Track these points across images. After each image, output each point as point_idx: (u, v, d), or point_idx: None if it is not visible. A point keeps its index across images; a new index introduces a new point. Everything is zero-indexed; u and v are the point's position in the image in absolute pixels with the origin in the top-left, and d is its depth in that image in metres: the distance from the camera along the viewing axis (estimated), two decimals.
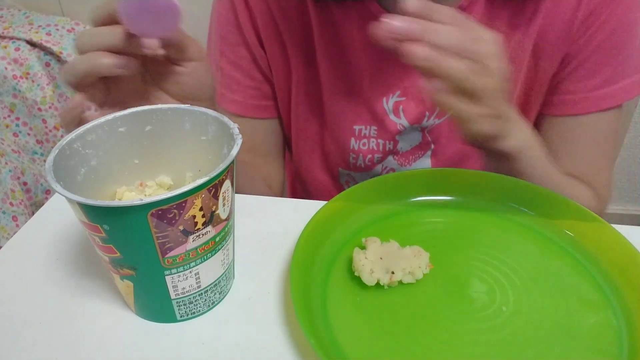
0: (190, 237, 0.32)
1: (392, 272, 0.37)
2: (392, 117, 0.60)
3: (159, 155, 0.39)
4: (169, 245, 0.31)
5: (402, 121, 0.60)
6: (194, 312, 0.36)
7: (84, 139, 0.35)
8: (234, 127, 0.35)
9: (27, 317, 0.36)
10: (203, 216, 0.32)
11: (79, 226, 0.44)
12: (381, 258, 0.38)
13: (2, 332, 0.34)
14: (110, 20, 0.38)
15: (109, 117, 0.36)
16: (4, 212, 1.22)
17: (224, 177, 0.32)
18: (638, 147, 1.61)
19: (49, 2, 1.48)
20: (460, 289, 0.38)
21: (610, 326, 0.35)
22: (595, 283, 0.39)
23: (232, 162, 0.33)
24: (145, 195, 0.39)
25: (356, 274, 0.37)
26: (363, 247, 0.39)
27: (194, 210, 0.31)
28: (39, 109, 1.33)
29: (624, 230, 0.41)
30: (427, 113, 0.59)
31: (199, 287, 0.35)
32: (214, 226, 0.33)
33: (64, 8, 1.49)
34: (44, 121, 1.35)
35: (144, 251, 0.31)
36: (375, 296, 0.37)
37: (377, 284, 0.37)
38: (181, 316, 0.36)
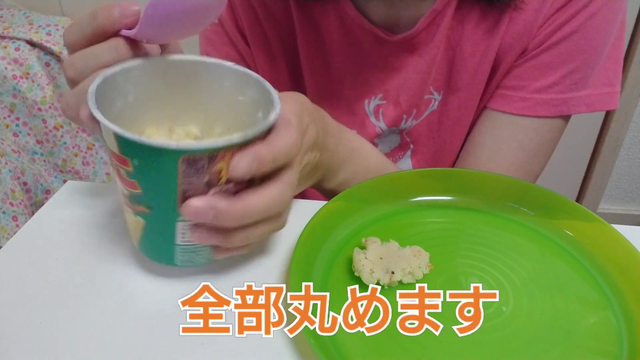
0: (212, 190, 0.32)
1: (392, 272, 0.37)
2: (372, 119, 0.60)
3: (193, 105, 0.39)
4: (190, 193, 0.32)
5: (380, 124, 0.60)
6: (194, 262, 0.37)
7: (128, 74, 0.35)
8: (275, 94, 0.35)
9: (27, 317, 0.36)
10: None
11: (79, 226, 0.44)
12: (381, 258, 0.38)
13: (2, 332, 0.34)
14: (95, 36, 0.34)
15: (156, 58, 0.36)
16: (4, 212, 1.23)
17: (259, 140, 0.32)
18: (638, 147, 1.61)
19: (49, 2, 1.48)
20: (460, 289, 0.38)
21: (610, 326, 0.35)
22: (595, 283, 0.39)
23: (270, 128, 0.33)
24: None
25: (356, 274, 0.37)
26: (363, 247, 0.39)
27: (223, 164, 0.31)
28: (39, 109, 1.33)
29: (624, 230, 0.41)
30: (404, 116, 0.59)
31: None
32: (234, 185, 0.33)
33: (64, 8, 1.50)
34: (44, 121, 1.35)
35: (164, 194, 0.32)
36: None
37: (377, 284, 0.37)
38: (181, 262, 0.36)
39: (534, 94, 0.53)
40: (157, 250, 0.37)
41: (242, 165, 0.32)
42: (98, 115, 0.31)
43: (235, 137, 0.31)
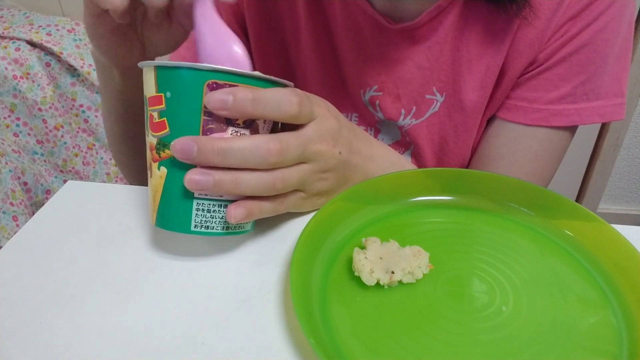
0: (229, 130, 0.36)
1: (392, 272, 0.37)
2: (370, 109, 0.60)
3: None
4: (210, 126, 0.35)
5: (378, 114, 0.60)
6: (208, 227, 0.37)
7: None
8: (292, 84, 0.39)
9: (27, 317, 0.36)
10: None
11: (79, 226, 0.44)
12: (381, 258, 0.38)
13: (2, 332, 0.34)
14: None
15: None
16: (4, 212, 1.23)
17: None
18: (638, 147, 1.61)
19: (49, 2, 1.49)
20: (460, 288, 0.38)
21: (610, 326, 0.35)
22: (595, 283, 0.39)
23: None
24: None
25: (356, 274, 0.37)
26: (363, 247, 0.39)
27: None
28: (39, 109, 1.33)
29: (624, 230, 0.41)
30: (402, 111, 0.59)
31: (220, 196, 0.37)
32: (250, 132, 0.37)
33: (64, 8, 1.50)
34: (44, 121, 1.35)
35: (190, 125, 0.35)
36: (375, 296, 0.37)
37: (377, 284, 0.37)
38: (195, 226, 0.37)
39: (548, 105, 0.54)
40: (175, 210, 0.37)
41: (217, 95, 0.34)
42: (144, 62, 0.36)
43: (257, 73, 0.36)
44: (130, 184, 0.51)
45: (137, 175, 0.61)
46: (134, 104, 0.52)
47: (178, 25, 0.45)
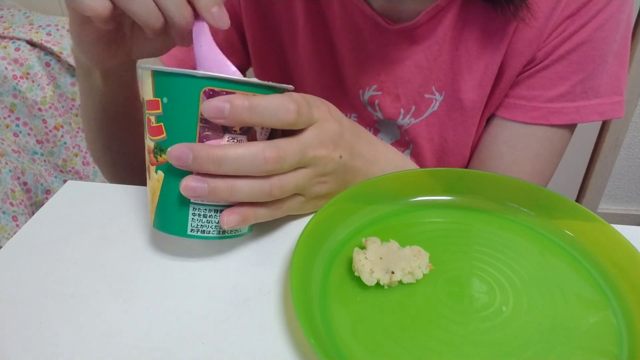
0: (226, 136, 0.36)
1: (392, 272, 0.37)
2: (369, 109, 0.60)
3: None
4: (206, 133, 0.35)
5: (378, 114, 0.60)
6: (204, 231, 0.38)
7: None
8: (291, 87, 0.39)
9: (27, 317, 0.36)
10: None
11: (79, 226, 0.44)
12: (381, 258, 0.38)
13: (2, 332, 0.34)
14: None
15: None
16: (4, 212, 1.23)
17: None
18: (638, 147, 1.61)
19: (49, 2, 1.49)
20: (460, 289, 0.38)
21: (610, 326, 0.35)
22: (595, 283, 0.39)
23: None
24: None
25: (356, 274, 0.37)
26: (363, 247, 0.39)
27: None
28: (39, 109, 1.33)
29: (624, 230, 0.41)
30: (402, 110, 0.59)
31: (217, 202, 0.37)
32: (248, 139, 0.36)
33: (64, 8, 1.50)
34: (44, 121, 1.35)
35: (186, 132, 0.35)
36: (375, 296, 0.37)
37: (377, 284, 0.37)
38: (191, 230, 0.37)
39: (547, 104, 0.54)
40: (172, 215, 0.37)
41: (213, 103, 0.34)
42: (141, 64, 0.36)
43: (255, 79, 0.35)
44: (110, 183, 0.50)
45: (121, 180, 0.61)
46: (114, 105, 0.52)
47: (170, 37, 0.45)
